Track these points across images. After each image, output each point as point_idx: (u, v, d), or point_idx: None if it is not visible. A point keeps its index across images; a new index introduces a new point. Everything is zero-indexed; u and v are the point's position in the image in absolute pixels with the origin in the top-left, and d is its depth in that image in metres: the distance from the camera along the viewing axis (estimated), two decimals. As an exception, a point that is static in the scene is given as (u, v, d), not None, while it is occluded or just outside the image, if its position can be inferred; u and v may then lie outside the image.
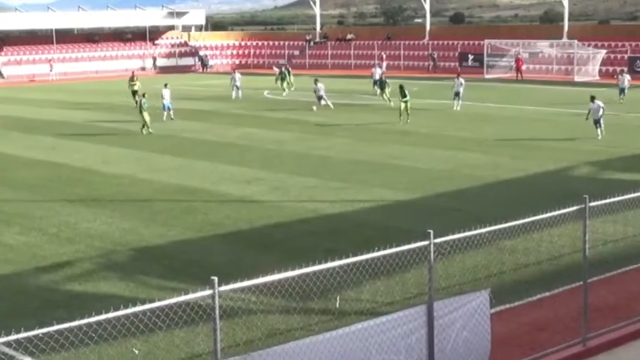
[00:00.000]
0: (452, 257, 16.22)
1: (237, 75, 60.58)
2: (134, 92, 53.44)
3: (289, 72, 64.23)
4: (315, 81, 51.62)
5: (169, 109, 46.70)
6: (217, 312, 9.96)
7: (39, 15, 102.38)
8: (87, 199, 26.34)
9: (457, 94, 48.95)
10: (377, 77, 59.25)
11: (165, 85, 47.63)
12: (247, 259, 19.06)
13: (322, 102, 49.92)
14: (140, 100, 41.43)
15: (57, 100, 62.98)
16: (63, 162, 33.73)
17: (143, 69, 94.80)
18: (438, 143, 36.42)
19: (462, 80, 49.35)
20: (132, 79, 56.08)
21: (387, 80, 52.81)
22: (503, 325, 13.94)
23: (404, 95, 43.12)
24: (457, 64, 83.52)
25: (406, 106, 42.97)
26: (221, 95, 61.17)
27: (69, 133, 42.96)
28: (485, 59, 79.25)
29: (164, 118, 45.97)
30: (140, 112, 40.95)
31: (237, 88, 59.52)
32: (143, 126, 41.17)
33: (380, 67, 70.44)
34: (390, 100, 49.76)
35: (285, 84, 62.32)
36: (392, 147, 35.39)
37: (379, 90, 53.85)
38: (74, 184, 29.10)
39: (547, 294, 16.04)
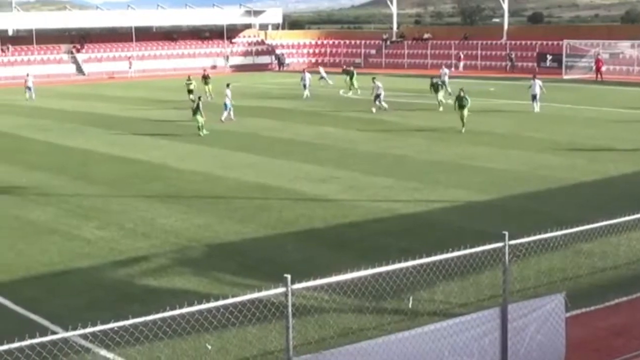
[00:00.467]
0: (527, 260, 16.04)
1: (307, 75, 60.81)
2: (190, 92, 53.51)
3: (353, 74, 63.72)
4: (373, 79, 51.15)
5: (230, 109, 46.53)
6: (289, 309, 9.98)
7: (119, 13, 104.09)
8: (163, 195, 26.65)
9: (534, 97, 47.96)
10: (444, 77, 58.66)
11: (228, 86, 47.61)
12: (320, 258, 19.08)
13: (377, 102, 49.32)
14: (198, 104, 41.32)
15: (136, 97, 63.89)
16: (141, 159, 34.19)
17: (214, 67, 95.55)
18: (514, 144, 36.04)
19: (538, 81, 48.41)
20: (189, 78, 56.15)
21: (440, 82, 51.99)
22: (579, 329, 13.73)
23: (463, 103, 40.14)
24: (535, 64, 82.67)
25: (462, 113, 40.09)
26: (297, 93, 61.34)
27: (146, 129, 43.54)
28: (564, 59, 78.20)
29: (223, 118, 45.77)
30: (195, 114, 40.75)
31: (305, 87, 59.71)
32: (200, 128, 40.69)
33: (457, 66, 69.84)
34: (440, 104, 49.10)
35: (354, 83, 62.10)
36: (467, 148, 35.12)
37: (439, 93, 52.76)
38: (151, 180, 29.48)
39: (625, 298, 15.76)
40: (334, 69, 79.77)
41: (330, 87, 65.13)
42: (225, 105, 46.27)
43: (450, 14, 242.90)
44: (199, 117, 40.43)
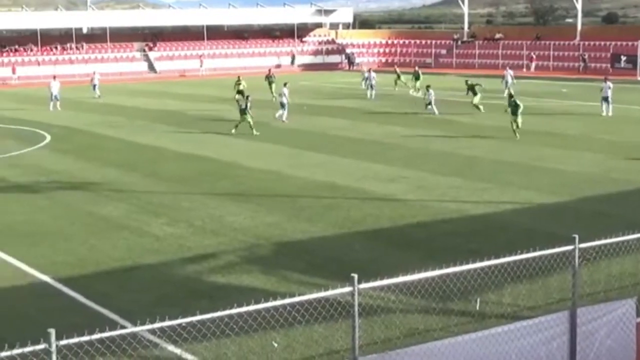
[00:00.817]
0: (597, 263, 15.82)
1: (373, 74, 60.49)
2: (240, 92, 52.51)
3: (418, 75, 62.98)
4: (427, 87, 50.38)
5: (286, 108, 46.07)
6: (356, 309, 9.99)
7: (191, 11, 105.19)
8: (232, 193, 26.83)
9: (605, 99, 46.74)
10: (508, 78, 57.76)
11: (285, 85, 47.53)
12: (387, 258, 19.04)
13: (429, 107, 48.80)
14: (246, 103, 41.26)
15: (206, 95, 64.44)
16: (210, 156, 34.46)
17: (279, 66, 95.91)
18: (585, 145, 35.56)
19: (609, 83, 47.23)
20: (239, 79, 55.46)
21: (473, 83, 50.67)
22: (650, 335, 13.49)
23: (516, 107, 37.62)
24: (608, 65, 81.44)
25: (515, 120, 37.70)
26: (366, 93, 61.24)
27: (216, 127, 43.83)
28: (639, 60, 76.87)
29: (284, 118, 45.70)
30: (243, 113, 40.78)
31: (371, 87, 59.30)
32: (236, 126, 40.76)
33: (529, 67, 68.88)
34: (477, 108, 48.16)
35: (417, 84, 61.50)
36: (538, 149, 34.73)
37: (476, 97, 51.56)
38: (220, 178, 29.69)
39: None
40: (404, 69, 79.45)
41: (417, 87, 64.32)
42: (282, 104, 46.16)
43: (523, 14, 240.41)
44: (248, 117, 40.63)
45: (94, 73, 67.32)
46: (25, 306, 16.18)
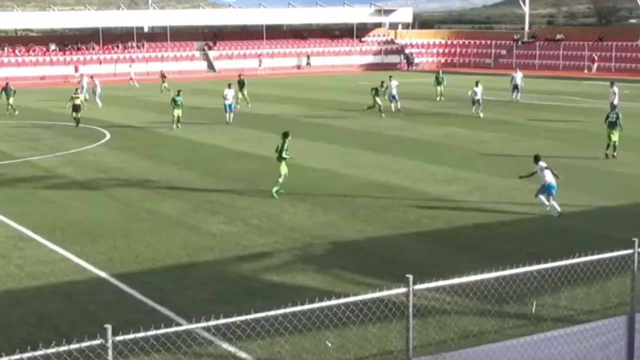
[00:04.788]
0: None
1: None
2: (74, 108, 46.08)
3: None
4: (477, 82, 49.64)
5: (230, 110, 46.53)
6: (410, 310, 9.98)
7: (251, 11, 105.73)
8: (288, 192, 26.84)
9: None
10: (517, 81, 56.09)
11: (229, 86, 47.38)
12: (443, 259, 18.96)
13: (475, 107, 47.95)
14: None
15: (265, 95, 64.58)
16: (267, 155, 34.49)
17: (299, 67, 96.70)
18: (648, 148, 35.02)
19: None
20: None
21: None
22: None
23: (614, 126, 32.92)
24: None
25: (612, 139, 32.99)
26: (425, 93, 61.02)
27: (273, 126, 43.90)
28: None
29: (227, 120, 46.11)
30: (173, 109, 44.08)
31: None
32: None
33: (590, 68, 67.80)
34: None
35: (441, 88, 59.34)
36: (600, 151, 34.22)
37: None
38: (276, 177, 29.71)
39: None
40: (467, 70, 79.16)
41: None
42: (225, 106, 46.41)
43: (585, 14, 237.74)
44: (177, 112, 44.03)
45: (82, 76, 66.26)
46: (83, 302, 16.38)
